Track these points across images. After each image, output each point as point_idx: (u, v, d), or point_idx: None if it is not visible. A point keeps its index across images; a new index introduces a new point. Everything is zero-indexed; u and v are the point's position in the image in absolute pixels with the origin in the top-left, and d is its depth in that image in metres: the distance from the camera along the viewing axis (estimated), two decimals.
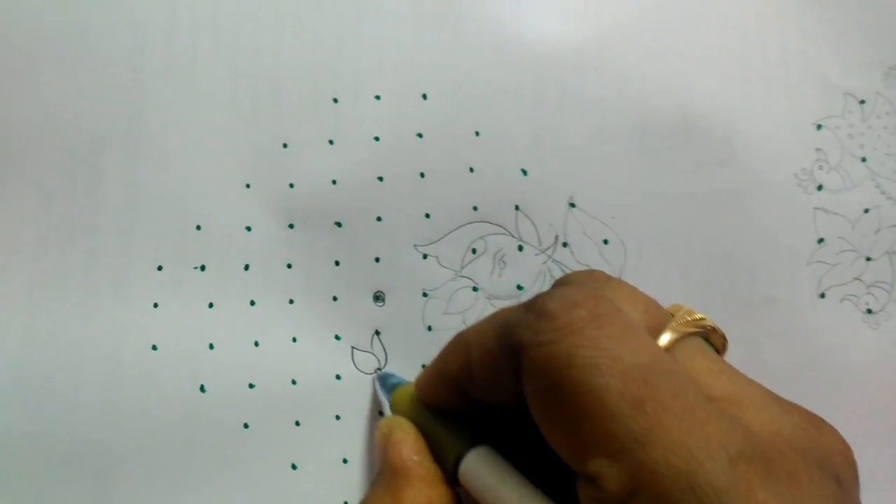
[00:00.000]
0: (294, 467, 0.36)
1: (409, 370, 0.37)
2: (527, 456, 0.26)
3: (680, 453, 0.20)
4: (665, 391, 0.21)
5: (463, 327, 0.37)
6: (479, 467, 0.26)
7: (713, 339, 0.26)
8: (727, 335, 0.26)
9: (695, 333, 0.25)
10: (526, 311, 0.24)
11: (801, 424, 0.22)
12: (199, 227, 0.37)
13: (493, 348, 0.25)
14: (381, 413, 0.37)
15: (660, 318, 0.25)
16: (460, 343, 0.27)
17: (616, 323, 0.22)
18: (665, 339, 0.24)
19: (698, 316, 0.25)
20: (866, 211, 0.39)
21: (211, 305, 0.37)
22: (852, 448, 0.23)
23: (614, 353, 0.22)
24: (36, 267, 0.36)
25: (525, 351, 0.23)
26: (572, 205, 0.38)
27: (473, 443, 0.27)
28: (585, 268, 0.38)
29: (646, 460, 0.20)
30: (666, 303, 0.26)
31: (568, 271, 0.38)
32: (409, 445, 0.29)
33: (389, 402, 0.33)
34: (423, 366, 0.37)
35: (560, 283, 0.28)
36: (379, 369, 0.37)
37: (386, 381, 0.35)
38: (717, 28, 0.39)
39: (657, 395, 0.21)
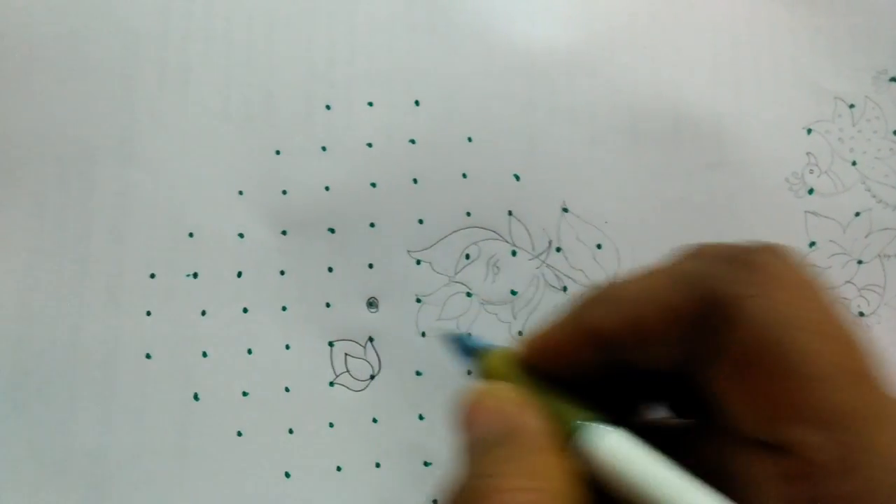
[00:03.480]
0: (287, 475, 0.36)
1: (403, 377, 0.37)
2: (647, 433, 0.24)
3: None
4: (880, 370, 0.20)
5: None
6: (618, 449, 0.23)
7: None
8: None
9: None
10: (730, 262, 0.22)
11: None
12: (191, 235, 0.37)
13: (674, 301, 0.22)
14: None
15: None
16: (611, 298, 0.24)
17: (826, 291, 0.21)
18: None
19: None
20: (857, 214, 0.39)
21: (204, 313, 0.37)
22: None
23: (836, 323, 0.20)
24: (28, 275, 0.36)
25: (736, 302, 0.21)
26: (565, 210, 0.38)
27: (594, 419, 0.24)
28: (580, 272, 0.38)
29: (877, 440, 0.19)
30: None
31: (562, 276, 0.38)
32: (532, 410, 0.24)
33: (479, 367, 0.28)
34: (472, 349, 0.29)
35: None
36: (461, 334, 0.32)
37: (465, 344, 0.30)
38: (708, 33, 0.39)
39: (882, 374, 0.20)
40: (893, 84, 0.40)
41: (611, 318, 0.24)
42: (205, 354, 0.36)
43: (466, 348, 0.29)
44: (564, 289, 0.38)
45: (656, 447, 0.23)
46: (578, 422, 0.24)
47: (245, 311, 0.37)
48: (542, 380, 0.25)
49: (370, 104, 0.38)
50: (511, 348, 0.27)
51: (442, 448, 0.36)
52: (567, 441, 0.24)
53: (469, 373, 0.30)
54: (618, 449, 0.23)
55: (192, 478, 0.36)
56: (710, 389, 0.22)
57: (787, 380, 0.20)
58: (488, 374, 0.27)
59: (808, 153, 0.39)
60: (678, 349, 0.23)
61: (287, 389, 0.36)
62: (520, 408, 0.24)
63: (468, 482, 0.22)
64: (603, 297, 0.25)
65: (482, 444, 0.24)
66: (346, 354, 0.37)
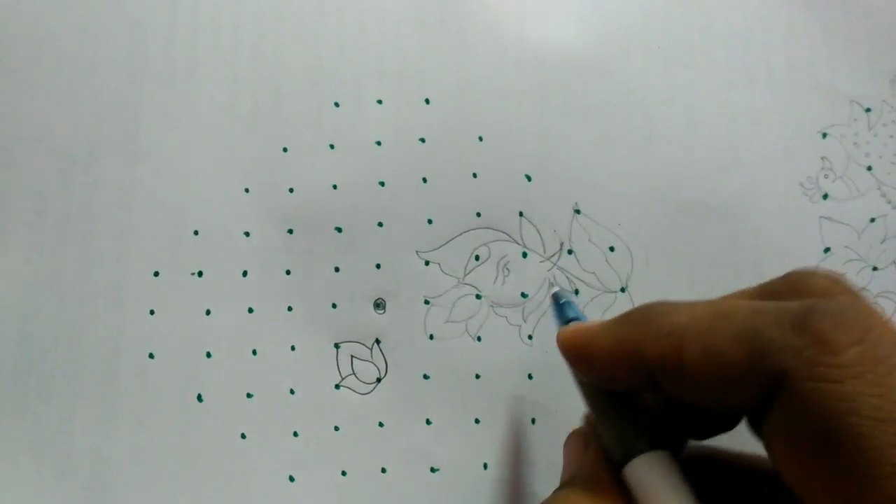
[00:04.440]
0: (292, 479, 0.35)
1: (410, 381, 0.36)
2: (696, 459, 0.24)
3: None
4: None
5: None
6: (650, 472, 0.24)
7: None
8: None
9: None
10: (797, 332, 0.21)
11: None
12: (196, 233, 0.36)
13: (734, 357, 0.22)
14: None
15: None
16: (667, 330, 0.24)
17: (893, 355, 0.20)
18: None
19: None
20: (872, 220, 0.39)
21: (208, 312, 0.36)
22: None
23: None
24: (31, 272, 0.36)
25: (794, 382, 0.20)
26: (577, 211, 0.37)
27: (651, 442, 0.25)
28: (591, 275, 0.37)
29: None
30: None
31: (573, 279, 0.37)
32: (600, 458, 0.26)
33: (558, 332, 0.29)
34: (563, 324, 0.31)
35: (806, 290, 0.24)
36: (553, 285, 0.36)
37: (561, 306, 0.32)
38: (723, 35, 0.39)
39: None
40: None
41: (657, 349, 0.24)
42: (209, 355, 0.36)
43: (562, 313, 0.32)
44: (576, 292, 0.37)
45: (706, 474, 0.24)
46: (628, 444, 0.25)
47: (250, 310, 0.36)
48: (599, 383, 0.27)
49: (379, 102, 0.37)
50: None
51: (449, 454, 0.36)
52: (614, 454, 0.25)
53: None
54: (645, 474, 0.24)
55: (194, 480, 0.35)
56: (772, 457, 0.22)
57: (854, 474, 0.19)
58: (563, 351, 0.28)
59: (822, 157, 0.39)
60: (725, 403, 0.23)
61: (292, 391, 0.36)
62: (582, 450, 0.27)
63: None
64: (652, 326, 0.24)
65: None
66: (352, 356, 0.36)
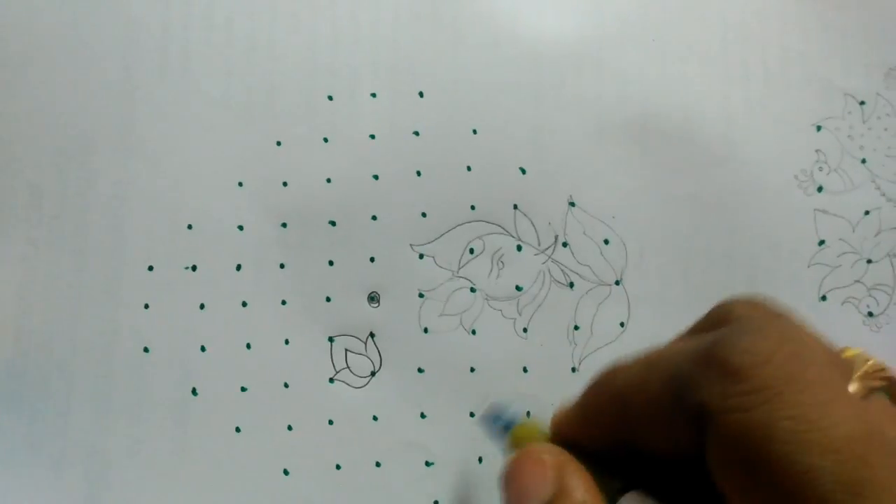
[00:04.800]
0: (286, 473, 0.35)
1: (405, 374, 0.36)
2: (677, 498, 0.24)
3: None
4: (885, 469, 0.18)
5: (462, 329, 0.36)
6: None
7: (892, 392, 0.22)
8: None
9: (880, 388, 0.22)
10: (705, 366, 0.21)
11: None
12: (190, 227, 0.36)
13: (663, 403, 0.22)
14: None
15: (842, 369, 0.22)
16: (612, 391, 0.25)
17: (817, 383, 0.19)
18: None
19: (878, 364, 0.22)
20: (867, 213, 0.39)
21: (202, 306, 0.36)
22: None
23: (823, 425, 0.19)
24: (26, 267, 0.36)
25: (711, 417, 0.20)
26: (572, 204, 0.37)
27: (625, 486, 0.25)
28: (586, 268, 0.37)
29: None
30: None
31: (568, 272, 0.37)
32: (584, 481, 0.25)
33: (505, 440, 0.30)
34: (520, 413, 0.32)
35: (725, 319, 0.24)
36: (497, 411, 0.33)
37: (496, 421, 0.31)
38: (718, 27, 0.39)
39: (877, 477, 0.18)
40: None
41: (608, 412, 0.25)
42: (203, 349, 0.36)
43: (496, 424, 0.31)
44: (571, 285, 0.37)
45: None
46: (605, 490, 0.25)
47: (244, 304, 0.36)
48: (571, 450, 0.27)
49: (373, 95, 0.37)
50: (536, 421, 0.29)
51: (444, 447, 0.36)
52: None
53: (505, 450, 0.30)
54: None
55: (189, 474, 0.35)
56: (720, 492, 0.21)
57: (782, 499, 0.19)
58: (516, 445, 0.29)
59: (817, 150, 0.39)
60: (674, 446, 0.23)
61: (286, 385, 0.36)
62: (565, 467, 0.25)
63: None
64: (602, 389, 0.25)
65: None
66: (346, 350, 0.36)
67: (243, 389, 0.36)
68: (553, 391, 0.35)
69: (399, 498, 0.35)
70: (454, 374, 0.36)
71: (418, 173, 0.37)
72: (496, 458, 0.35)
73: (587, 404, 0.26)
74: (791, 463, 0.19)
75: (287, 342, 0.36)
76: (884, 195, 0.39)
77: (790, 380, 0.19)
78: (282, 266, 0.36)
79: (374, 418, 0.36)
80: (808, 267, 0.38)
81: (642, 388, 0.23)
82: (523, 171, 0.37)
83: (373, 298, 0.37)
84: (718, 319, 0.24)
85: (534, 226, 0.37)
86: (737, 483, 0.20)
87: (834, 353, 0.22)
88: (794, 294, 0.38)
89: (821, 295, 0.38)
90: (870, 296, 0.39)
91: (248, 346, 0.36)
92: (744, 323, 0.23)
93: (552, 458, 0.26)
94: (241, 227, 0.36)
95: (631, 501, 0.24)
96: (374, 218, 0.37)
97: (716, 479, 0.21)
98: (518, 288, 0.37)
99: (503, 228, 0.37)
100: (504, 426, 0.31)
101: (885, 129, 0.39)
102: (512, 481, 0.26)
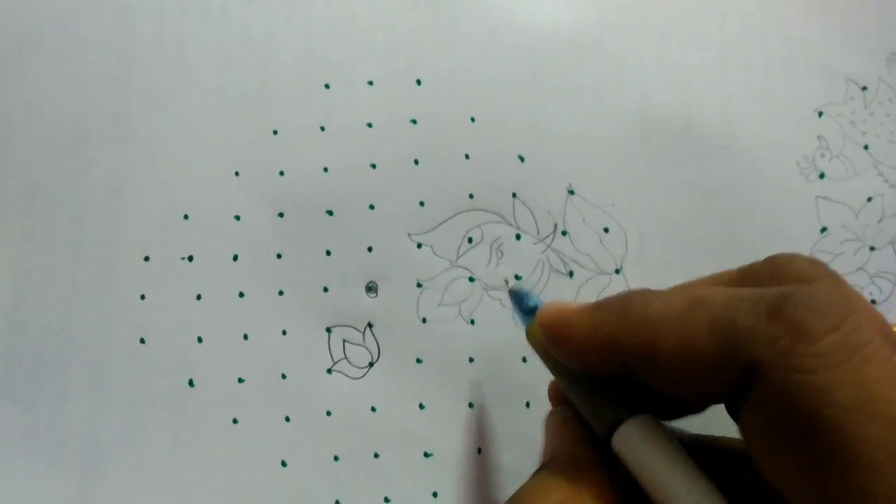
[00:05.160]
0: (284, 464, 0.35)
1: (403, 365, 0.36)
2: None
3: None
4: None
5: (460, 316, 0.36)
6: (637, 438, 0.24)
7: None
8: None
9: None
10: (770, 320, 0.20)
11: None
12: (186, 217, 0.36)
13: (706, 347, 0.21)
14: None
15: (894, 344, 0.21)
16: (641, 318, 0.23)
17: (879, 356, 0.19)
18: None
19: None
20: (869, 199, 0.38)
21: (199, 297, 0.36)
22: None
23: (885, 397, 0.19)
24: (21, 258, 0.35)
25: (766, 373, 0.20)
26: (571, 192, 0.37)
27: (629, 411, 0.24)
28: (586, 256, 0.37)
29: None
30: None
31: (568, 261, 0.37)
32: (579, 437, 0.26)
33: (525, 327, 0.30)
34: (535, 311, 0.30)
35: (782, 275, 0.24)
36: (514, 281, 0.34)
37: (522, 300, 0.31)
38: (718, 13, 0.39)
39: None
40: None
41: (631, 338, 0.23)
42: (200, 340, 0.35)
43: (523, 305, 0.31)
44: (570, 273, 0.37)
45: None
46: (610, 415, 0.24)
47: (241, 295, 0.36)
48: (573, 366, 0.26)
49: (370, 83, 0.37)
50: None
51: (443, 438, 0.36)
52: (599, 429, 0.25)
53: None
54: (632, 442, 0.24)
55: (186, 465, 0.35)
56: (749, 447, 0.21)
57: (831, 466, 0.19)
58: (531, 342, 0.29)
59: (819, 137, 0.38)
60: (701, 395, 0.22)
61: (284, 376, 0.36)
62: (560, 425, 0.26)
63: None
64: (627, 313, 0.24)
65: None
66: (344, 341, 0.36)
67: (240, 380, 0.35)
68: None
69: (397, 489, 0.35)
70: (453, 364, 0.36)
71: (416, 162, 0.37)
72: (495, 449, 0.35)
73: (604, 323, 0.24)
74: (844, 430, 0.19)
75: (284, 333, 0.36)
76: (886, 181, 0.39)
77: (856, 349, 0.19)
78: (279, 256, 0.36)
79: (373, 409, 0.36)
80: (811, 254, 0.38)
81: (682, 324, 0.22)
82: (522, 160, 0.37)
83: (370, 288, 0.36)
84: (777, 274, 0.24)
85: (533, 214, 0.37)
86: (776, 444, 0.20)
87: (888, 326, 0.22)
88: None
89: None
90: (873, 283, 0.38)
91: (245, 336, 0.36)
92: (815, 285, 0.22)
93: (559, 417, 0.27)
94: (237, 217, 0.36)
95: (639, 426, 0.24)
96: (371, 207, 0.36)
97: (748, 435, 0.21)
98: (517, 277, 0.37)
99: (502, 217, 0.37)
100: (527, 310, 0.31)
101: (888, 115, 0.39)
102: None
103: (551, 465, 0.26)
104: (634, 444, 0.24)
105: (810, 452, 0.19)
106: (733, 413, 0.22)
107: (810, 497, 0.19)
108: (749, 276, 0.25)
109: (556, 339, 0.26)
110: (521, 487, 0.25)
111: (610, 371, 0.25)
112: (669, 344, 0.22)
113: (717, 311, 0.22)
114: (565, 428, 0.27)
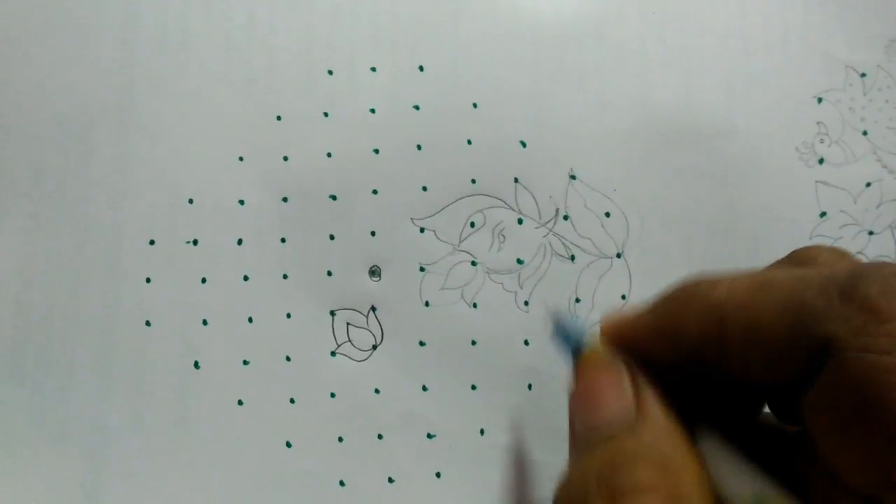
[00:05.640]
0: (289, 445, 0.35)
1: (406, 348, 0.36)
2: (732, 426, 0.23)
3: None
4: None
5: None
6: (708, 444, 0.23)
7: None
8: None
9: None
10: (843, 299, 0.20)
11: None
12: (191, 201, 0.36)
13: (778, 328, 0.21)
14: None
15: None
16: (707, 304, 0.23)
17: None
18: None
19: None
20: (868, 185, 0.39)
21: (204, 280, 0.36)
22: None
23: None
24: (27, 241, 0.36)
25: (838, 352, 0.19)
26: (573, 177, 0.37)
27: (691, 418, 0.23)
28: (587, 241, 0.37)
29: None
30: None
31: (569, 245, 0.37)
32: (652, 392, 0.23)
33: (573, 362, 0.27)
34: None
35: (814, 263, 0.24)
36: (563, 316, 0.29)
37: (567, 337, 0.28)
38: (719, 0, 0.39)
39: None
40: None
41: (697, 326, 0.23)
42: (205, 322, 0.36)
43: (570, 341, 0.27)
44: (572, 258, 0.37)
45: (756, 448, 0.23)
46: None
47: (246, 278, 0.36)
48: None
49: (373, 69, 0.37)
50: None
51: (446, 420, 0.36)
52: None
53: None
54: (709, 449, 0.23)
55: (191, 447, 0.35)
56: (810, 428, 0.21)
57: None
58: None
59: (818, 122, 0.39)
60: (769, 377, 0.22)
61: (288, 359, 0.36)
62: (642, 387, 0.23)
63: (589, 476, 0.21)
64: (691, 302, 0.23)
65: (605, 429, 0.23)
66: (347, 324, 0.36)
67: (245, 363, 0.36)
68: (555, 365, 0.36)
69: (401, 470, 0.36)
70: (455, 347, 0.36)
71: (419, 147, 0.37)
72: (497, 431, 0.36)
73: (669, 314, 0.24)
74: None
75: (289, 316, 0.36)
76: (885, 167, 0.39)
77: None
78: (283, 240, 0.36)
79: (376, 391, 0.36)
80: (810, 239, 0.38)
81: (750, 307, 0.22)
82: (524, 145, 0.37)
83: (374, 272, 0.37)
84: (806, 262, 0.24)
85: (535, 199, 0.37)
86: (843, 424, 0.20)
87: None
88: None
89: None
90: None
91: (250, 319, 0.36)
92: (882, 266, 0.21)
93: (623, 374, 0.24)
94: (241, 202, 0.36)
95: (707, 438, 0.23)
96: (374, 192, 0.37)
97: (813, 415, 0.21)
98: (519, 261, 0.37)
99: (504, 202, 0.37)
100: (575, 347, 0.27)
101: (886, 101, 0.39)
102: (583, 405, 0.24)
103: (645, 429, 0.23)
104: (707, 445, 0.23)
105: (875, 433, 0.19)
106: (791, 398, 0.22)
107: (872, 479, 0.19)
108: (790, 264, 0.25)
109: (623, 343, 0.25)
110: (597, 459, 0.22)
111: (676, 363, 0.24)
112: (738, 327, 0.22)
113: (785, 292, 0.21)
114: (647, 389, 0.24)
